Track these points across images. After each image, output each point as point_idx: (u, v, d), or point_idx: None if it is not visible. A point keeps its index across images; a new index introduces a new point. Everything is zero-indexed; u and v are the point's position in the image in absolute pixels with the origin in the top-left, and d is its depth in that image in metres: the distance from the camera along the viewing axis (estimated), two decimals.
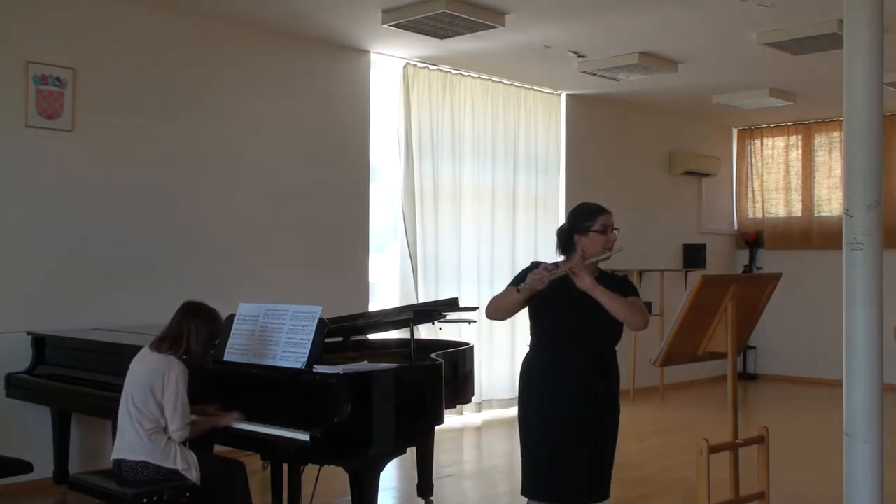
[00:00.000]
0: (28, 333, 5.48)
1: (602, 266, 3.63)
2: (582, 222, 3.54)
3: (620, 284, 3.54)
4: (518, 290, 3.41)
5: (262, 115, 6.76)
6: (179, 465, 3.84)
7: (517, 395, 3.73)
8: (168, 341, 3.92)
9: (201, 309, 4.02)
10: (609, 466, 3.58)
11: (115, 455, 3.91)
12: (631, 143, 9.86)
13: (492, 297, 3.67)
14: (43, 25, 5.68)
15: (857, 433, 3.56)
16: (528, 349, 3.64)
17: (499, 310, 3.59)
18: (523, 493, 3.60)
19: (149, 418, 3.82)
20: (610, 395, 3.55)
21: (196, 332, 3.93)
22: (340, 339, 5.06)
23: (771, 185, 11.19)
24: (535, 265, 3.63)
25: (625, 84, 8.41)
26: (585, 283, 3.34)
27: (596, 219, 3.52)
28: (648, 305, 9.57)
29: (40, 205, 5.66)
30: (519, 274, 3.64)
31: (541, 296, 3.42)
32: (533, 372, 3.57)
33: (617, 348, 3.60)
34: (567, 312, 3.45)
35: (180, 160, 6.32)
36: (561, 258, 3.62)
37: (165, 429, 3.85)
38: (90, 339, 5.21)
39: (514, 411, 8.45)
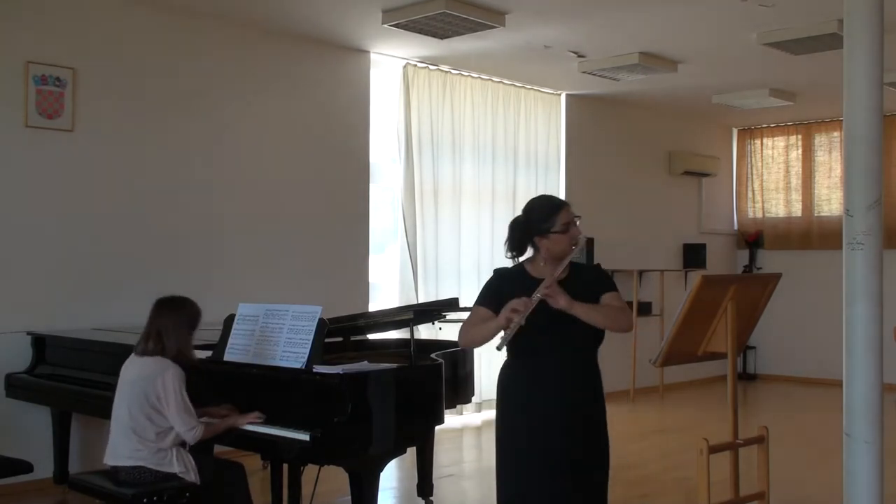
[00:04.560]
0: (28, 333, 5.48)
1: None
2: (540, 224, 3.25)
3: (596, 279, 3.33)
4: (501, 341, 3.14)
5: (262, 114, 6.76)
6: (177, 469, 3.83)
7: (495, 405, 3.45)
8: (150, 342, 3.90)
9: (173, 301, 4.01)
10: (602, 482, 3.34)
11: (109, 461, 3.90)
12: (631, 143, 9.86)
13: (462, 323, 3.34)
14: (43, 25, 5.68)
15: (857, 433, 3.56)
16: (505, 358, 3.38)
17: (474, 342, 3.33)
18: None
19: (145, 426, 3.79)
20: (593, 402, 3.34)
21: (173, 325, 3.91)
22: (340, 339, 5.06)
23: (771, 185, 11.19)
24: (498, 273, 3.40)
25: (625, 84, 8.41)
26: (561, 303, 3.07)
27: (555, 218, 3.24)
28: (648, 306, 9.59)
29: (40, 205, 5.66)
30: (484, 290, 3.37)
31: None
32: (512, 386, 3.33)
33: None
34: (544, 324, 3.16)
35: (180, 160, 6.31)
36: (509, 255, 3.35)
37: (161, 435, 3.82)
38: (90, 339, 5.21)
39: None
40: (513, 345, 3.27)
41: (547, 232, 3.25)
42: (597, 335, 3.29)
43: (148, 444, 3.80)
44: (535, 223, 3.28)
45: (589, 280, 3.30)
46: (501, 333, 3.17)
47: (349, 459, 3.84)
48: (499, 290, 3.30)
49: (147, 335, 3.93)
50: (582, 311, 3.14)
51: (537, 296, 3.10)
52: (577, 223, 3.29)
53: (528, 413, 3.26)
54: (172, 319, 3.93)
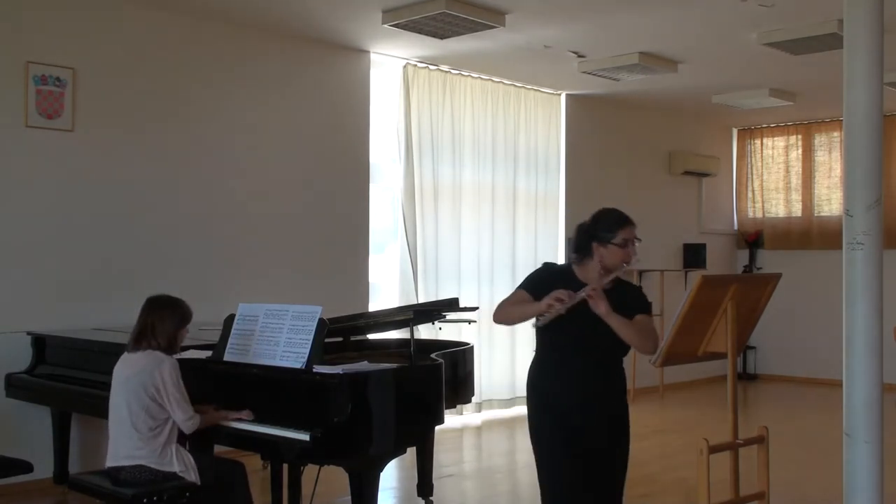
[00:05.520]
0: (28, 333, 5.48)
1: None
2: (603, 232, 3.42)
3: (635, 299, 3.47)
4: (538, 321, 3.31)
5: (262, 115, 6.76)
6: (177, 468, 3.83)
7: (525, 397, 3.59)
8: (143, 338, 3.93)
9: (163, 299, 4.06)
10: (621, 478, 3.49)
11: (110, 463, 3.90)
12: (631, 143, 9.86)
13: (501, 301, 3.53)
14: (43, 25, 5.68)
15: (857, 433, 3.56)
16: (534, 354, 3.55)
17: (509, 319, 3.50)
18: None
19: (146, 420, 3.81)
20: (618, 403, 3.49)
21: (162, 322, 3.94)
22: (340, 339, 5.06)
23: (771, 185, 11.19)
24: (546, 267, 3.57)
25: (625, 84, 8.40)
26: (601, 309, 3.25)
27: (617, 231, 3.41)
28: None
29: (40, 205, 5.66)
30: (530, 277, 3.54)
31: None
32: (539, 381, 3.49)
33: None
34: (577, 323, 3.31)
35: (180, 160, 6.32)
36: (571, 257, 3.53)
37: (161, 429, 3.84)
38: (90, 339, 5.21)
39: (514, 411, 8.46)
40: (544, 341, 3.46)
41: (606, 242, 3.42)
42: (623, 344, 3.42)
43: (148, 440, 3.81)
44: (598, 230, 3.45)
45: (628, 297, 3.44)
46: (538, 317, 3.33)
47: (349, 459, 3.84)
48: (544, 281, 3.46)
49: (139, 332, 3.95)
50: (615, 323, 3.29)
51: (582, 294, 3.26)
52: (637, 245, 3.46)
53: (553, 408, 3.41)
54: (164, 317, 3.95)
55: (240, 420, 4.01)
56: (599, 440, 3.39)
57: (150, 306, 4.02)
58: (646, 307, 3.49)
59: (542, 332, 3.45)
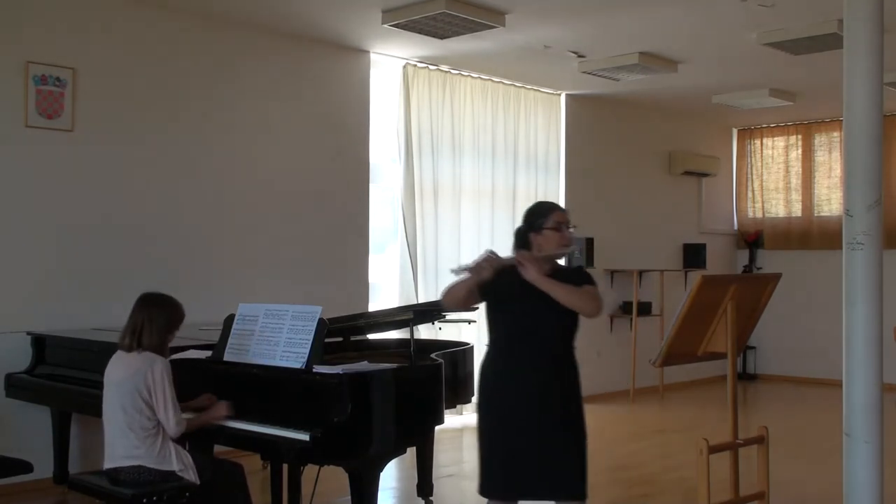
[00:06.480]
0: (28, 333, 5.48)
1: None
2: (536, 220, 3.51)
3: (575, 275, 3.51)
4: (454, 270, 3.41)
5: (262, 115, 6.76)
6: (176, 467, 3.83)
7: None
8: (134, 338, 3.90)
9: (156, 298, 4.02)
10: (578, 463, 3.43)
11: (108, 464, 3.89)
12: (631, 143, 9.86)
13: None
14: (43, 25, 5.68)
15: (857, 433, 3.56)
16: (486, 348, 3.56)
17: (453, 298, 3.50)
18: (480, 492, 3.49)
19: (141, 422, 3.80)
20: (568, 390, 3.47)
21: (152, 321, 3.92)
22: (340, 339, 5.06)
23: (771, 185, 11.19)
24: (490, 253, 3.59)
25: (625, 84, 8.41)
26: (530, 273, 3.31)
27: (549, 216, 3.49)
28: (648, 306, 9.59)
29: (40, 205, 5.66)
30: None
31: (495, 293, 3.41)
32: (488, 371, 3.52)
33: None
34: (521, 310, 3.40)
35: (180, 160, 6.32)
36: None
37: (157, 429, 3.84)
38: (90, 339, 5.20)
39: None
40: (492, 333, 3.52)
41: (540, 228, 3.49)
42: (570, 325, 3.47)
43: (145, 440, 3.80)
44: (531, 221, 3.53)
45: (569, 277, 3.48)
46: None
47: (349, 459, 3.85)
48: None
49: (132, 331, 3.93)
50: (549, 286, 3.34)
51: (511, 256, 3.39)
52: (572, 230, 3.52)
53: (502, 397, 3.44)
54: (154, 316, 3.93)
55: (221, 419, 4.00)
56: (547, 432, 3.36)
57: (143, 304, 4.00)
58: (588, 280, 3.50)
59: (490, 321, 3.51)
